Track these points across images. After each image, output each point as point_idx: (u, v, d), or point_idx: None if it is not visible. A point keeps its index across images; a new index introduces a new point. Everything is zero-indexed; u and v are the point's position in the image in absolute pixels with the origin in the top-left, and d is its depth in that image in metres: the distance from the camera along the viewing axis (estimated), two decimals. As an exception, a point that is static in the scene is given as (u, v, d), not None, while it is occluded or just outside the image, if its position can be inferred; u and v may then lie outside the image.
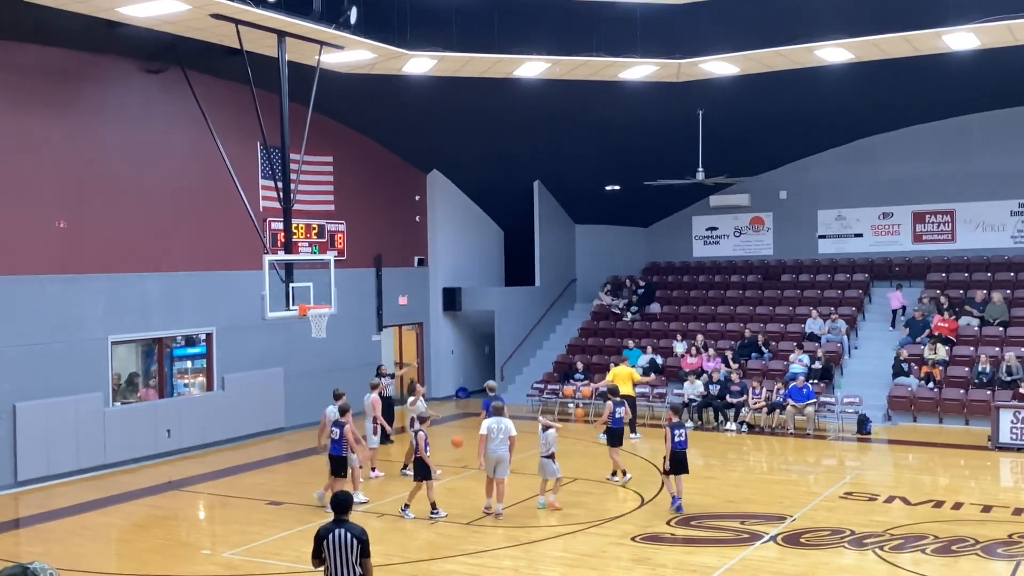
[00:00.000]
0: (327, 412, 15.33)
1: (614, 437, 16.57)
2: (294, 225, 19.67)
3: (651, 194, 25.52)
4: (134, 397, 19.24)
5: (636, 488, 15.84)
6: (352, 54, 17.58)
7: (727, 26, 18.73)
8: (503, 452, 14.15)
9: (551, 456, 14.42)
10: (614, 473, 16.41)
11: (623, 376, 20.83)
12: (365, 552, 8.02)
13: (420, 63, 18.50)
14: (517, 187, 27.43)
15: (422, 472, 14.02)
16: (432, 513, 14.05)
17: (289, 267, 16.80)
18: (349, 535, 8.01)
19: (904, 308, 24.37)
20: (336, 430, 14.58)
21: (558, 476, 14.54)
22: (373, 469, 17.01)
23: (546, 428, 14.54)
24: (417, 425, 14.76)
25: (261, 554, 12.60)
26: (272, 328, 20.32)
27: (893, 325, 24.36)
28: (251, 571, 11.91)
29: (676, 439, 14.35)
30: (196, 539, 14.12)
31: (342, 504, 8.30)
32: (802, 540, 12.77)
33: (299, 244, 21.57)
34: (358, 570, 8.00)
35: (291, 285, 16.55)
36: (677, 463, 14.36)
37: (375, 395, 17.14)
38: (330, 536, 8.06)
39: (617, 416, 16.64)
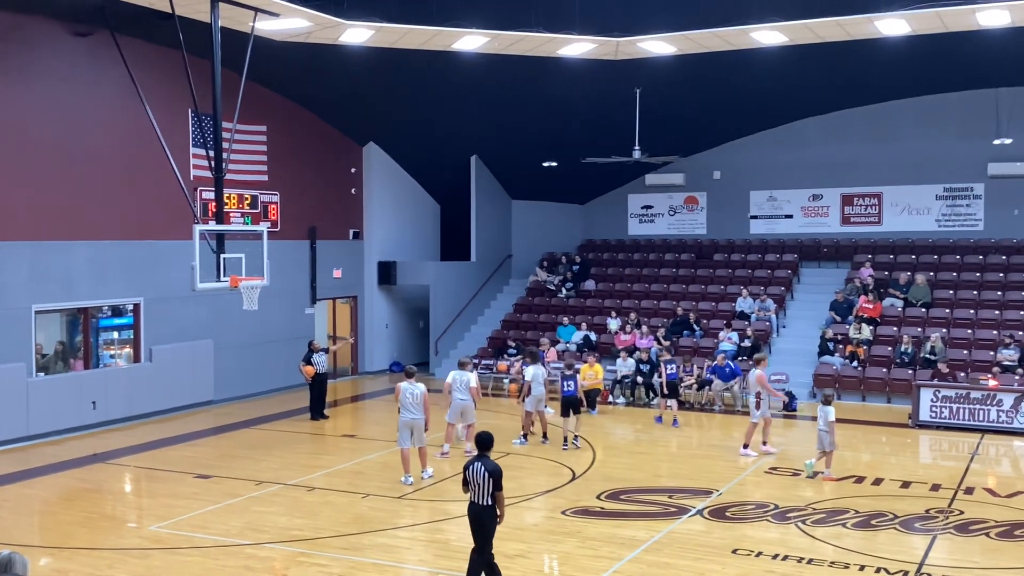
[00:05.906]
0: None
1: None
2: (226, 195, 19.32)
3: (588, 171, 25.61)
4: (61, 369, 18.78)
5: (569, 462, 16.01)
6: (288, 22, 17.26)
7: (665, 6, 18.82)
8: (467, 400, 16.21)
9: (828, 429, 14.81)
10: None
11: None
12: (497, 485, 9.43)
13: (357, 33, 18.26)
14: (454, 161, 27.32)
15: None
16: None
17: (220, 238, 16.51)
18: (483, 469, 9.45)
19: (871, 283, 24.40)
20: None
21: (825, 449, 14.91)
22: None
23: (827, 403, 14.97)
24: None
25: (188, 527, 12.46)
26: (202, 299, 20.03)
27: (866, 294, 24.50)
28: (178, 544, 11.77)
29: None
30: (122, 512, 13.89)
31: (484, 441, 9.70)
32: (728, 514, 13.03)
33: (231, 214, 21.24)
34: (489, 500, 9.41)
35: (222, 256, 16.29)
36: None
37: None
38: (471, 468, 9.54)
39: (567, 388, 17.37)
